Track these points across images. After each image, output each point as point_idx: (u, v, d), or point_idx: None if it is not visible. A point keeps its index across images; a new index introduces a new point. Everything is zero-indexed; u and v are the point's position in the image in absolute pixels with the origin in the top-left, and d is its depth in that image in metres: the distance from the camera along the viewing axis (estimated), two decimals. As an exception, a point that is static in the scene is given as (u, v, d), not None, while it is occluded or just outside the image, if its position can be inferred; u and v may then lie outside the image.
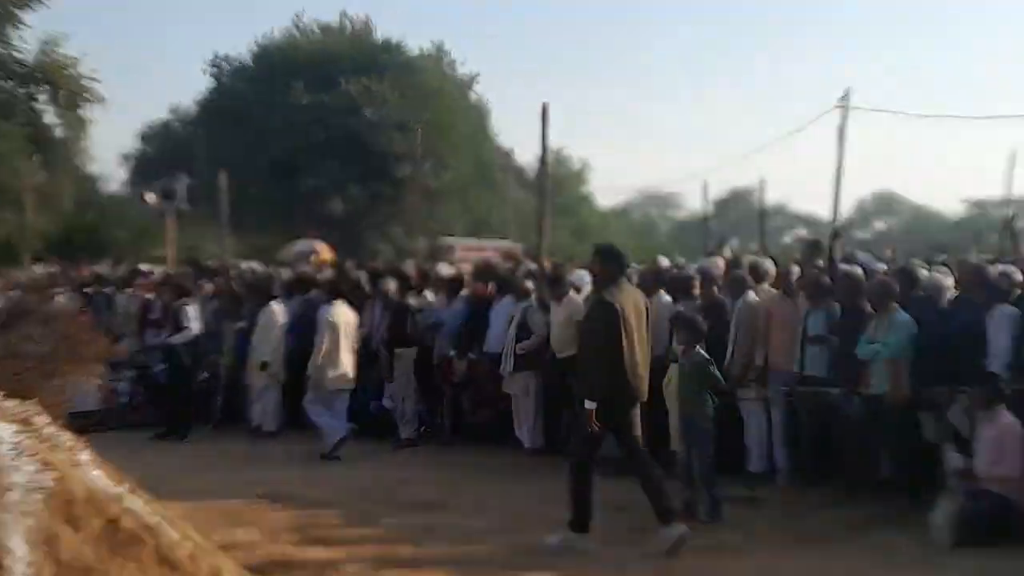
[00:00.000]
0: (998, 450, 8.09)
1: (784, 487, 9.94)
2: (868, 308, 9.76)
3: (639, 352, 7.78)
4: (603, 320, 7.65)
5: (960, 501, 8.01)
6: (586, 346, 7.98)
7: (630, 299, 7.86)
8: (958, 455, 8.36)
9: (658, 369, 10.53)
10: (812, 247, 13.45)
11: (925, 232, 54.61)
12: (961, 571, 7.28)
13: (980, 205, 53.53)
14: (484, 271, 14.05)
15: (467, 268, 15.63)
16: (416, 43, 42.30)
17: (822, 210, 52.61)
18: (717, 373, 8.93)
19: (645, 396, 7.91)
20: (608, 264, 7.97)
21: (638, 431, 7.82)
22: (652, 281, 11.84)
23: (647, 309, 8.06)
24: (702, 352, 8.93)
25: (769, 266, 11.86)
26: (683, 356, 8.97)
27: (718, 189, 60.09)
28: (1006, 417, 8.19)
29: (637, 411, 7.85)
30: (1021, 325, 9.01)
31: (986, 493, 8.01)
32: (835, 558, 7.66)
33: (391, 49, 40.74)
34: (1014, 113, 35.42)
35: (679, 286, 11.35)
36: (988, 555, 7.55)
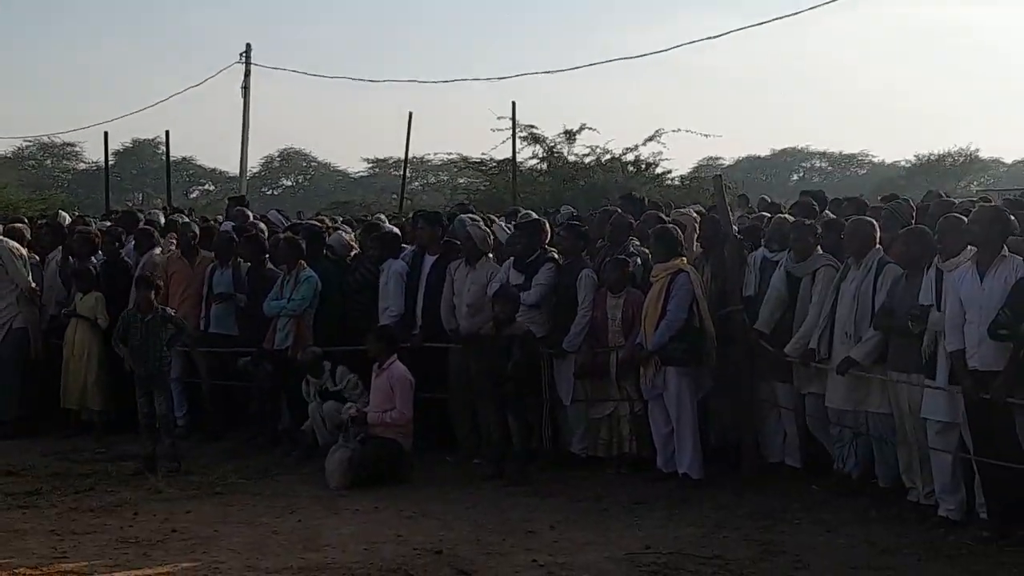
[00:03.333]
0: (389, 398, 8.92)
1: (188, 442, 10.14)
2: (274, 266, 10.28)
3: None
4: None
5: (353, 447, 8.77)
6: None
7: None
8: (352, 404, 9.11)
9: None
10: (238, 202, 13.79)
11: (329, 189, 57.07)
12: (352, 510, 7.98)
13: (380, 164, 57.10)
14: None
15: None
16: None
17: (230, 165, 53.03)
18: (182, 323, 9.45)
19: None
20: None
21: None
22: (52, 238, 11.50)
23: None
24: (166, 307, 9.37)
25: (174, 221, 11.98)
26: (143, 311, 9.23)
27: (120, 140, 58.00)
28: (398, 367, 9.02)
29: None
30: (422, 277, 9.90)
31: (378, 439, 8.82)
32: (234, 505, 8.07)
33: None
34: (411, 78, 37.97)
35: (82, 244, 11.08)
36: (376, 494, 8.35)
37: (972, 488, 7.21)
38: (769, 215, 10.27)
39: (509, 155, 26.85)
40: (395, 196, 32.27)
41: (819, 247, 8.51)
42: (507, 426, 8.87)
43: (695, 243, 9.55)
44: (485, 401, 9.15)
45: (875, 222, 8.34)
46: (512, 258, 9.60)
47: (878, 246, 8.00)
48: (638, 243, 9.63)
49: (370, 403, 9.04)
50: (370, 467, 8.69)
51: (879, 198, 12.31)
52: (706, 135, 32.47)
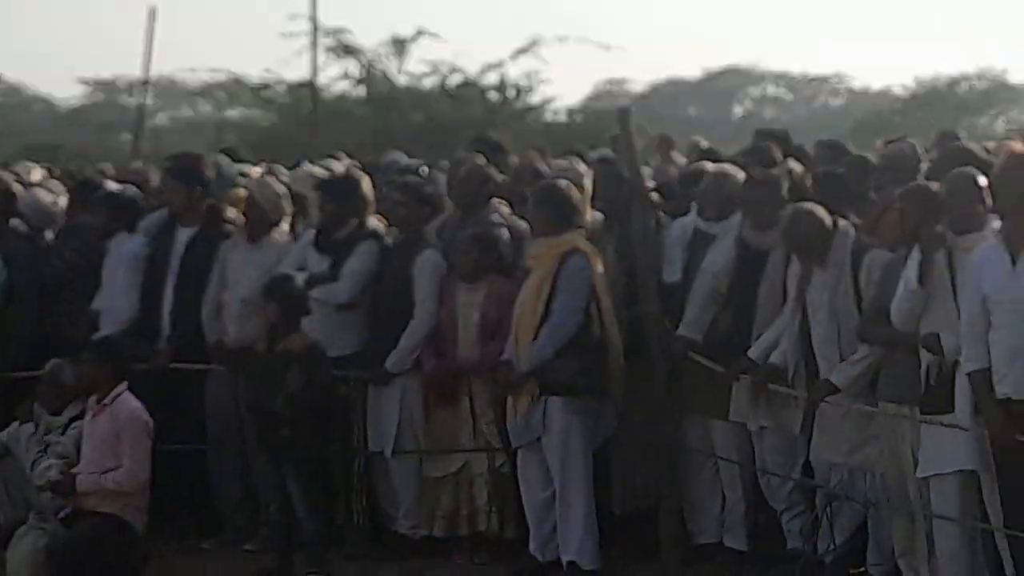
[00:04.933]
0: (112, 450, 8.72)
1: None
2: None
3: None
4: None
5: (52, 529, 8.56)
6: None
7: None
8: (55, 461, 8.90)
9: None
10: None
11: (23, 126, 55.78)
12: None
13: (105, 88, 56.23)
14: None
15: None
16: None
17: None
18: None
19: None
20: None
21: None
22: None
23: None
24: None
25: None
26: None
27: None
28: (128, 403, 8.84)
29: None
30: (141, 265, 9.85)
31: (94, 516, 8.62)
32: None
33: None
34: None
35: None
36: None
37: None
38: (705, 166, 10.33)
39: (307, 75, 26.71)
40: (129, 136, 31.80)
41: None
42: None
43: (586, 210, 9.56)
44: (260, 455, 9.11)
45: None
46: (313, 232, 9.56)
47: (843, 225, 8.18)
48: (507, 210, 9.66)
49: (82, 459, 8.87)
50: (80, 560, 8.48)
51: (884, 143, 12.48)
52: (607, 47, 32.71)
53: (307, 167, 11.54)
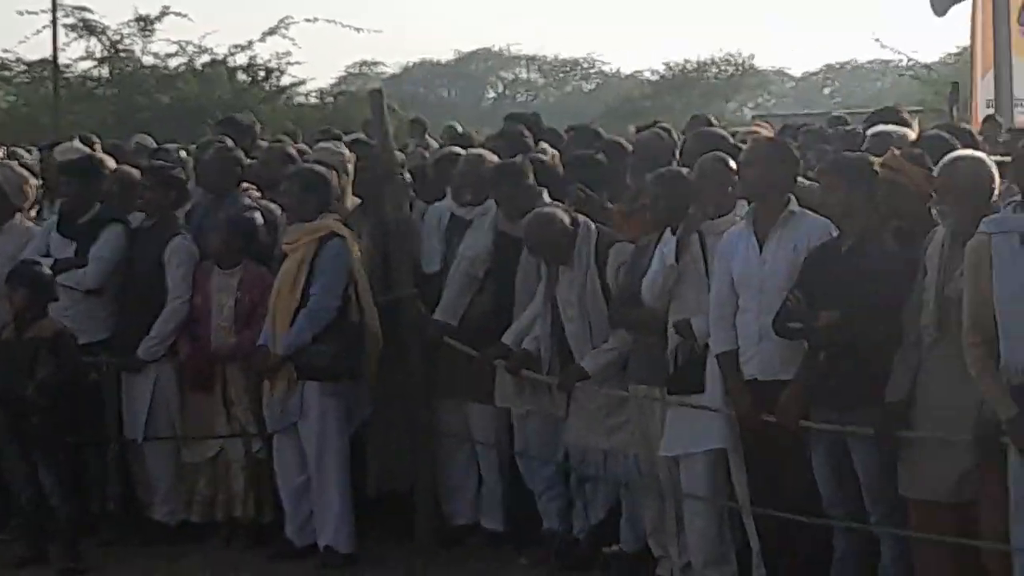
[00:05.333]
0: None
1: None
2: None
3: None
4: None
5: None
6: None
7: None
8: None
9: None
10: None
11: None
12: None
13: None
14: None
15: None
16: None
17: None
18: None
19: None
20: None
21: None
22: None
23: None
24: None
25: None
26: None
27: None
28: None
29: None
30: None
31: None
32: None
33: None
34: None
35: None
36: None
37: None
38: (458, 150, 10.42)
39: (48, 54, 26.14)
40: None
41: (543, 198, 8.74)
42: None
43: (348, 194, 9.58)
44: (8, 444, 8.96)
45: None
46: (56, 217, 9.46)
47: (584, 222, 8.29)
48: (256, 193, 9.65)
49: None
50: None
51: (633, 129, 12.67)
52: (358, 29, 32.57)
53: (76, 143, 11.33)
